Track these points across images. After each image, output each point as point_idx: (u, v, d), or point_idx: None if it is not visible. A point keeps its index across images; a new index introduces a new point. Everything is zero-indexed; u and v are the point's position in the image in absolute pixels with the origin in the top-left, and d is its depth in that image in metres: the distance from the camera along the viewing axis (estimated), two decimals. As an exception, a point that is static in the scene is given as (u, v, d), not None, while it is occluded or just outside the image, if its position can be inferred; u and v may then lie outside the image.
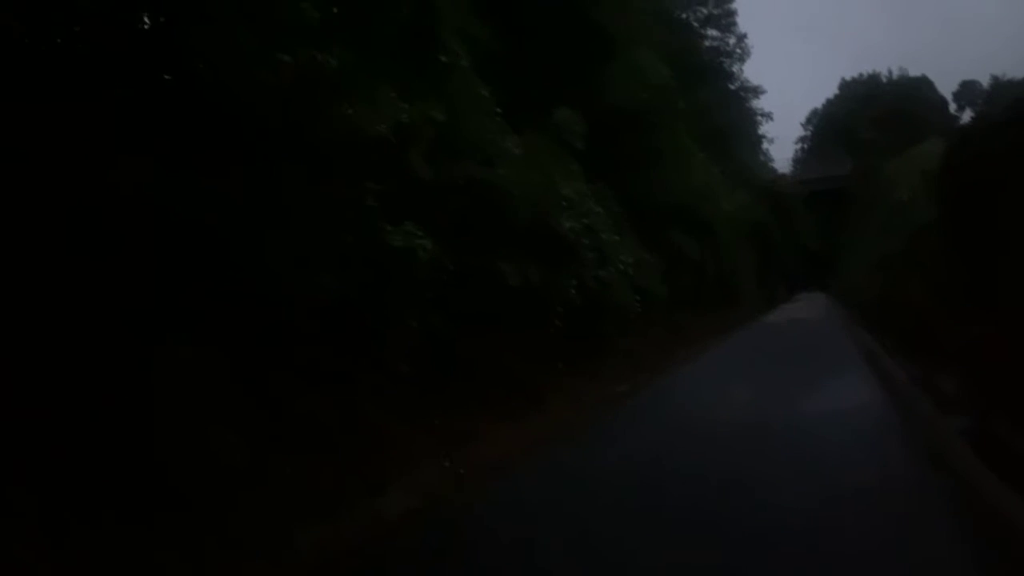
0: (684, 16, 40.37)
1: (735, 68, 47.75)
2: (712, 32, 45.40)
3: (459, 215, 8.60)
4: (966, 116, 59.28)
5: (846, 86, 72.70)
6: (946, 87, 70.33)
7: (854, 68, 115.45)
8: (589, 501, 6.03)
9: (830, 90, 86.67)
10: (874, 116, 59.68)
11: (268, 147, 5.89)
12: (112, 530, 4.15)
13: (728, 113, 41.56)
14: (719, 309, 25.91)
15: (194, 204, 5.47)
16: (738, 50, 47.11)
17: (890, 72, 70.73)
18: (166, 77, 5.81)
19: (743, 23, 59.81)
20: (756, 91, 50.46)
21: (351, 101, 6.41)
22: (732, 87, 47.59)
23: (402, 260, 7.27)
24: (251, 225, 5.92)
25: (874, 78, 71.44)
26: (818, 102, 76.41)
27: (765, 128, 53.70)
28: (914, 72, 70.54)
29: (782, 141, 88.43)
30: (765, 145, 54.98)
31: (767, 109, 55.54)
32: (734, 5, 45.46)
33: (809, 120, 74.80)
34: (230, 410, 5.46)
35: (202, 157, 5.59)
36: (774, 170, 56.26)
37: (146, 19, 5.90)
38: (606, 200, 14.07)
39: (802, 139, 74.41)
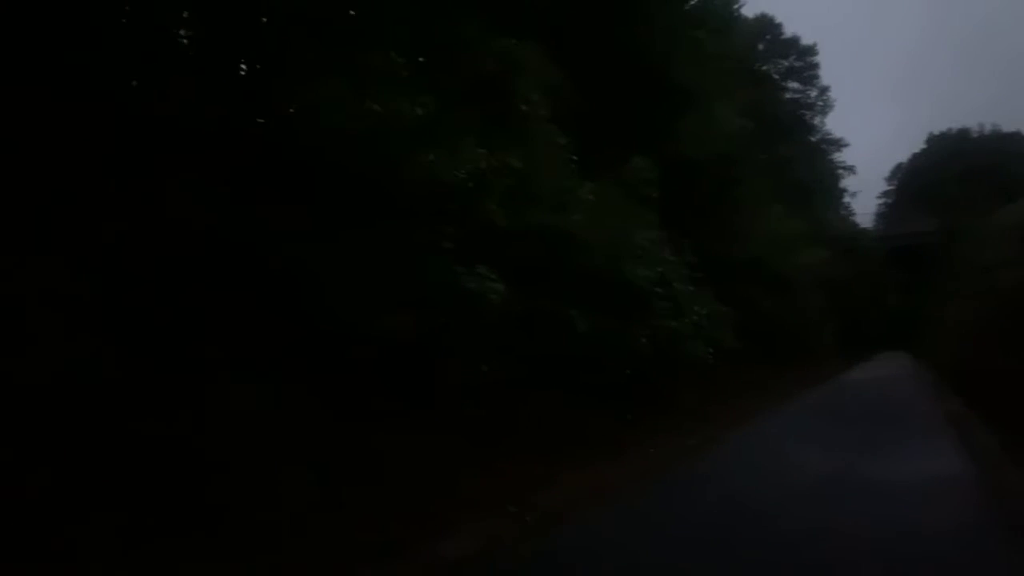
0: (764, 68, 40.17)
1: (817, 120, 47.13)
2: (794, 84, 45.00)
3: (532, 261, 8.67)
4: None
5: (934, 140, 70.71)
6: (1041, 143, 67.54)
7: (943, 123, 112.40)
8: (655, 553, 5.87)
9: (917, 144, 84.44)
10: (962, 171, 57.74)
11: (351, 191, 6.09)
12: (191, 560, 4.26)
13: (809, 166, 40.91)
14: (794, 366, 25.18)
15: (278, 246, 5.69)
16: (820, 102, 46.54)
17: (981, 127, 68.59)
18: (259, 120, 6.11)
19: (826, 76, 59.16)
20: (838, 144, 49.61)
21: (432, 148, 6.59)
22: (813, 139, 46.90)
23: (474, 303, 7.35)
24: (329, 266, 6.11)
25: (964, 132, 69.29)
26: (904, 156, 74.52)
27: (847, 182, 52.60)
28: (1007, 128, 68.15)
29: (865, 195, 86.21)
30: (847, 199, 53.77)
31: (850, 162, 54.38)
32: (817, 58, 45.07)
33: (893, 174, 72.91)
34: (303, 447, 5.57)
35: (287, 199, 5.83)
36: (855, 224, 54.86)
37: (243, 67, 6.24)
38: (680, 250, 13.97)
39: (886, 194, 72.49)
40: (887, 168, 79.72)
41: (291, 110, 6.02)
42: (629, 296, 10.76)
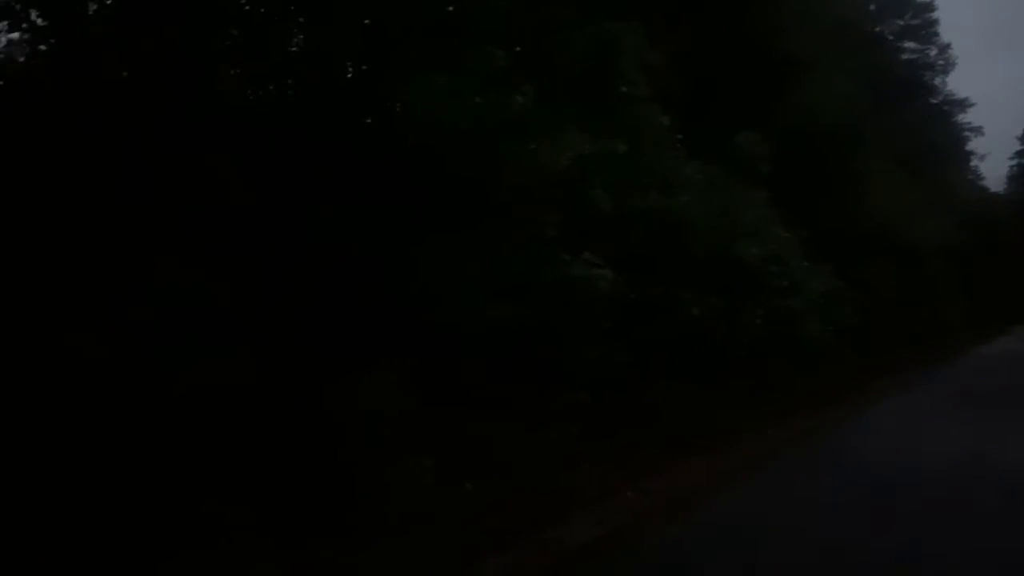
0: (878, 29, 37.98)
1: (937, 81, 44.17)
2: (910, 44, 42.34)
3: (639, 245, 8.55)
4: None
5: (1072, 94, 65.06)
6: None
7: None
8: (778, 542, 5.70)
9: (1052, 99, 77.75)
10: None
11: (454, 184, 6.17)
12: (313, 547, 4.46)
13: (930, 129, 38.46)
14: (922, 341, 23.87)
15: (386, 244, 5.84)
16: (940, 61, 43.58)
17: None
18: (367, 121, 6.28)
19: (947, 32, 55.32)
20: (963, 104, 46.35)
21: (534, 137, 6.60)
22: (935, 101, 44.04)
23: (581, 290, 7.32)
24: (435, 261, 6.22)
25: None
26: (1038, 113, 68.82)
27: (975, 144, 49.11)
28: None
29: (996, 157, 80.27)
30: (974, 162, 50.25)
31: (976, 123, 50.69)
32: (935, 14, 42.22)
33: (1027, 133, 67.67)
34: (420, 440, 5.71)
35: (393, 198, 5.97)
36: (985, 189, 51.26)
37: (350, 68, 6.43)
38: (794, 225, 13.44)
39: (1019, 154, 67.39)
40: (1020, 127, 74.06)
41: (396, 108, 6.15)
42: (741, 276, 10.46)
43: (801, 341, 12.43)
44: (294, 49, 6.11)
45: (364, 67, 6.18)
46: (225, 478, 4.30)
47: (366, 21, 6.55)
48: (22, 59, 5.39)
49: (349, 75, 6.35)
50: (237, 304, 4.56)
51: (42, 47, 5.62)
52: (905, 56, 41.17)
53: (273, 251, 5.09)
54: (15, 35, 5.36)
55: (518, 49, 7.09)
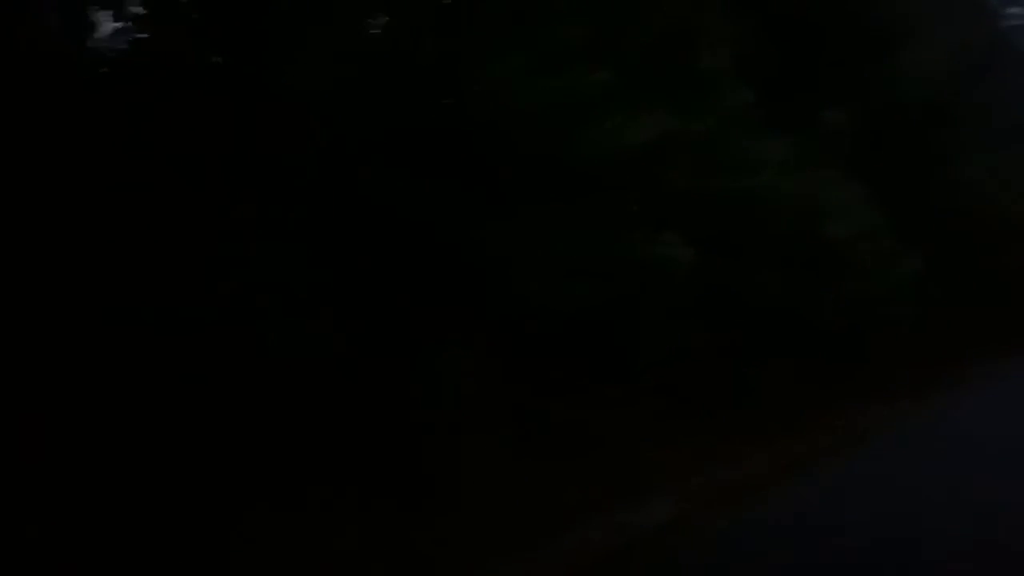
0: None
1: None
2: (1015, 10, 39.85)
3: (719, 224, 8.40)
4: None
5: None
6: None
7: None
8: (855, 531, 5.53)
9: None
10: None
11: (531, 165, 6.18)
12: (388, 520, 4.60)
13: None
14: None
15: (464, 219, 5.90)
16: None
17: None
18: (445, 101, 6.32)
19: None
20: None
21: (611, 116, 6.53)
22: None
23: (660, 269, 7.25)
24: (512, 243, 6.24)
25: None
26: None
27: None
28: None
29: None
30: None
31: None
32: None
33: None
34: (493, 415, 5.79)
35: (473, 175, 6.01)
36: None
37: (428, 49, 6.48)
38: (882, 204, 12.94)
39: None
40: None
41: (474, 88, 6.17)
42: (824, 256, 10.16)
43: (888, 321, 12.02)
44: (374, 31, 6.20)
45: (442, 47, 6.22)
46: (305, 447, 4.47)
47: (444, 0, 6.58)
48: (124, 47, 5.65)
49: (427, 56, 6.40)
50: (322, 280, 4.72)
51: (141, 35, 5.87)
52: (1009, 23, 38.80)
53: (355, 230, 5.23)
54: (119, 24, 5.62)
55: (596, 26, 7.00)
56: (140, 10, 5.35)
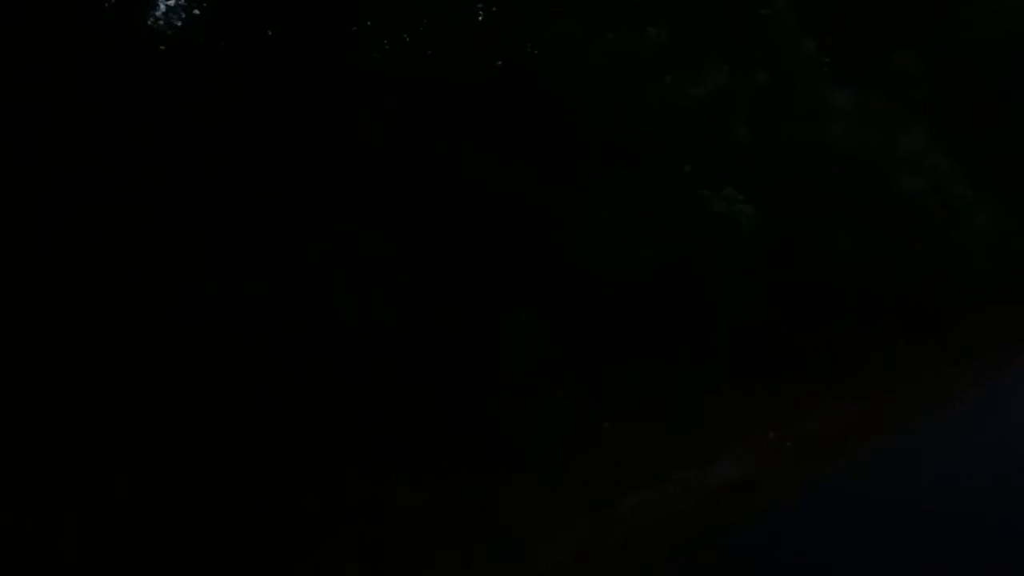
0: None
1: None
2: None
3: (784, 179, 8.14)
4: None
5: None
6: None
7: None
8: (925, 495, 5.33)
9: None
10: None
11: (590, 123, 6.07)
12: (465, 480, 4.66)
13: None
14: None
15: (523, 183, 5.84)
16: None
17: None
18: (498, 63, 6.24)
19: None
20: None
21: (670, 71, 6.35)
22: None
23: (722, 228, 7.07)
24: (574, 201, 6.17)
25: None
26: None
27: None
28: None
29: None
30: None
31: None
32: None
33: None
34: (560, 377, 5.77)
35: (530, 137, 5.94)
36: None
37: (481, 13, 6.40)
38: (957, 154, 12.34)
39: None
40: None
41: (528, 49, 6.07)
42: (896, 209, 9.76)
43: (966, 278, 11.54)
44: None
45: (494, 9, 6.13)
46: (382, 413, 4.55)
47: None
48: (179, 24, 5.72)
49: (480, 18, 6.32)
50: (392, 249, 4.77)
51: (196, 11, 5.93)
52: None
53: (422, 198, 5.24)
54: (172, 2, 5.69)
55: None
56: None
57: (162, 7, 5.73)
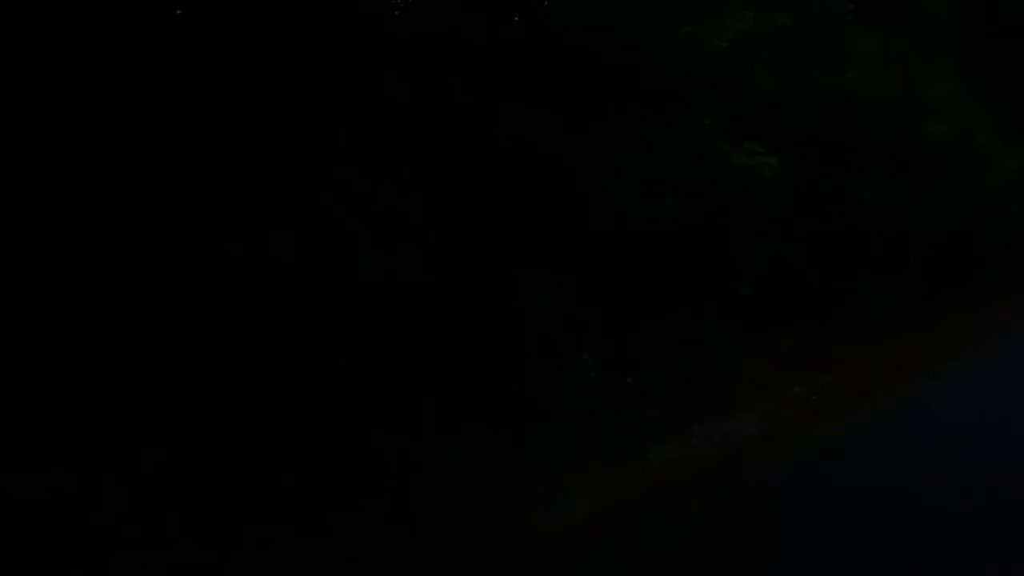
0: None
1: None
2: None
3: (806, 128, 8.00)
4: None
5: None
6: None
7: None
8: (952, 445, 5.30)
9: None
10: None
11: (613, 76, 5.97)
12: (491, 436, 4.72)
13: None
14: None
15: (541, 138, 5.78)
16: None
17: None
18: (515, 18, 6.13)
19: None
20: None
21: (690, 19, 6.22)
22: None
23: (743, 180, 6.99)
24: (593, 154, 6.10)
25: None
26: None
27: None
28: None
29: None
30: None
31: None
32: None
33: None
34: (582, 333, 5.78)
35: (548, 91, 5.86)
36: None
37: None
38: (985, 98, 12.04)
39: None
40: None
41: (545, 3, 5.96)
42: (921, 157, 9.58)
43: (993, 226, 11.35)
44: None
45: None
46: (403, 367, 4.59)
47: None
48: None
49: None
50: (412, 205, 4.76)
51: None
52: None
53: (442, 151, 5.21)
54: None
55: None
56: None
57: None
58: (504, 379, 5.12)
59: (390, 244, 4.53)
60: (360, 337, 4.53)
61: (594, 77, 5.97)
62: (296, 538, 3.58)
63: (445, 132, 5.39)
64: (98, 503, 3.41)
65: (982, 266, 11.44)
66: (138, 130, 4.06)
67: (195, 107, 4.22)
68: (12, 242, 3.70)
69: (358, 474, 4.05)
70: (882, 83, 8.92)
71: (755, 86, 7.09)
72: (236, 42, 4.59)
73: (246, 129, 4.37)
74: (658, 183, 6.41)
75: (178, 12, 5.13)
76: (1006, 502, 4.27)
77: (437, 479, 4.22)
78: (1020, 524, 4.04)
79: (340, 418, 4.24)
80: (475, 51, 5.66)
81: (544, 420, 5.06)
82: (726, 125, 6.97)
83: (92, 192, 3.88)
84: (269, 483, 3.82)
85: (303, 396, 4.18)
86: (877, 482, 4.62)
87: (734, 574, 3.58)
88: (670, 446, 5.14)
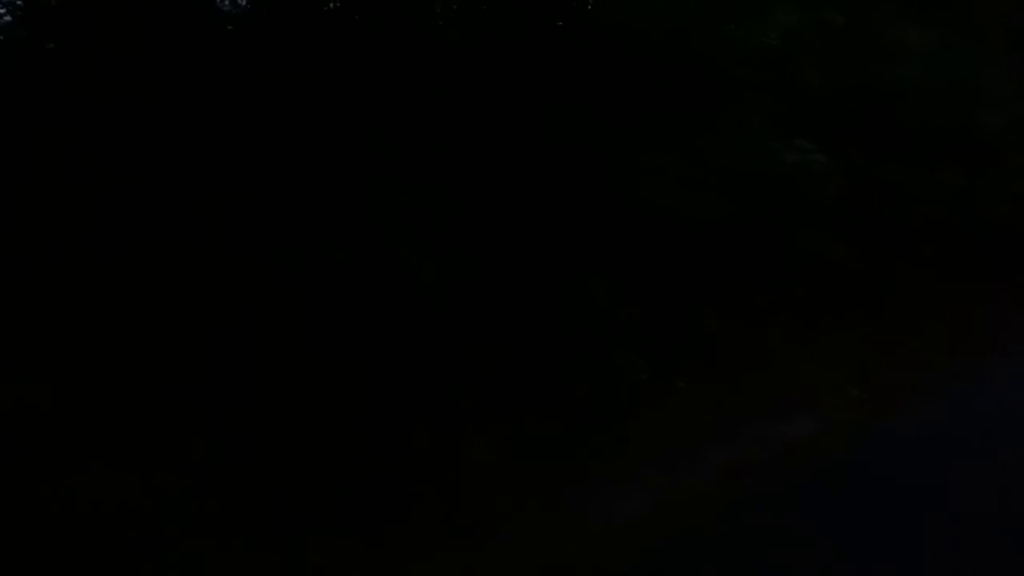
0: None
1: None
2: None
3: (857, 123, 7.86)
4: None
5: None
6: None
7: None
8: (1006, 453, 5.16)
9: None
10: None
11: (658, 73, 5.97)
12: (539, 437, 4.74)
13: None
14: None
15: (589, 139, 5.80)
16: None
17: None
18: (559, 23, 6.17)
19: None
20: None
21: (736, 16, 6.18)
22: None
23: (792, 178, 6.91)
24: (639, 152, 6.10)
25: None
26: None
27: None
28: None
29: None
30: None
31: None
32: None
33: None
34: (631, 333, 5.77)
35: (598, 90, 5.87)
36: None
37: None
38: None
39: None
40: None
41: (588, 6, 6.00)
42: (977, 148, 9.32)
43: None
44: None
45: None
46: (455, 367, 4.66)
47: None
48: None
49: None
50: (458, 209, 4.83)
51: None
52: None
53: (487, 155, 5.26)
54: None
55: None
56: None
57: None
58: (554, 381, 5.15)
59: (441, 249, 4.60)
60: (413, 340, 4.61)
61: (639, 75, 5.98)
62: (346, 537, 3.64)
63: (492, 136, 5.44)
64: (155, 503, 3.52)
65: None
66: (202, 147, 4.20)
67: (255, 122, 4.34)
68: (100, 249, 3.86)
69: (410, 474, 4.12)
70: (934, 74, 8.70)
71: (804, 82, 6.99)
72: (290, 58, 4.71)
73: (301, 141, 4.48)
74: (705, 181, 6.37)
75: (229, 28, 5.29)
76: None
77: (489, 480, 4.27)
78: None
79: (394, 419, 4.31)
80: (518, 54, 5.71)
81: (596, 421, 5.07)
82: (775, 122, 6.89)
83: (163, 200, 4.02)
84: (322, 482, 3.91)
85: (358, 398, 4.26)
86: (934, 484, 4.53)
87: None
88: (722, 448, 5.10)
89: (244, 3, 5.72)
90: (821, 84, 7.25)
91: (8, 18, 5.00)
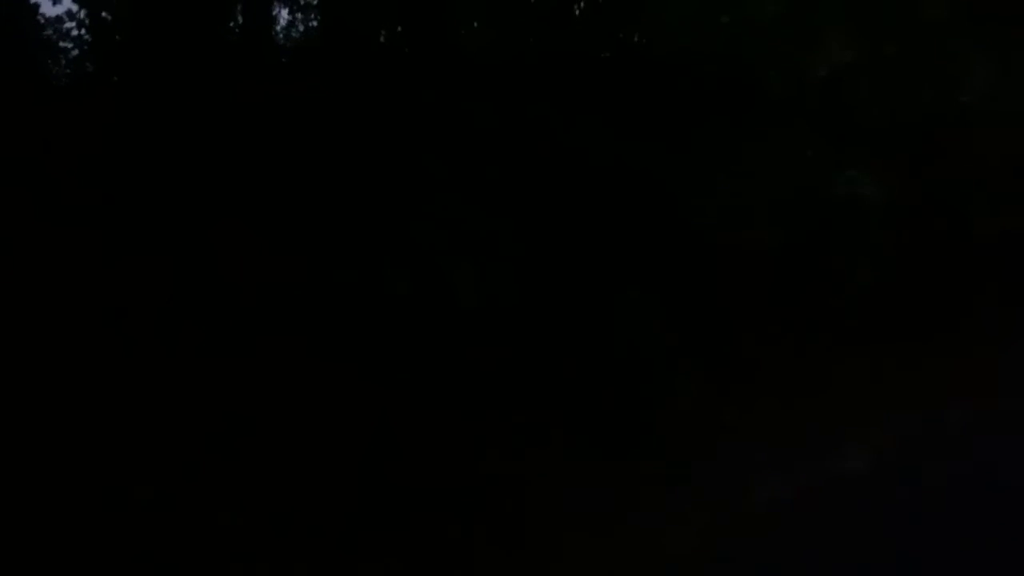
0: None
1: None
2: None
3: (914, 152, 7.74)
4: None
5: None
6: None
7: None
8: None
9: None
10: None
11: (713, 99, 5.99)
12: (590, 457, 4.80)
13: None
14: None
15: (643, 162, 5.84)
16: None
17: None
18: (605, 55, 6.25)
19: None
20: None
21: (789, 47, 6.17)
22: None
23: (844, 207, 6.86)
24: (693, 178, 6.11)
25: None
26: None
27: None
28: None
29: None
30: None
31: None
32: None
33: None
34: (678, 357, 5.74)
35: (648, 119, 5.92)
36: None
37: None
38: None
39: None
40: None
41: (652, 24, 6.04)
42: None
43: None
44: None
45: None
46: (504, 392, 4.74)
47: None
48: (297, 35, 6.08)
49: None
50: (506, 228, 4.92)
51: (312, 22, 6.27)
52: None
53: (536, 175, 5.35)
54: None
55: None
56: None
57: (282, 21, 6.11)
58: (606, 405, 5.18)
59: (491, 272, 4.69)
60: (462, 362, 4.70)
61: (695, 102, 6.01)
62: (415, 558, 3.74)
63: (544, 159, 5.53)
64: (221, 513, 3.66)
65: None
66: (263, 173, 4.39)
67: (307, 151, 4.52)
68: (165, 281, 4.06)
69: (471, 498, 4.20)
70: (997, 100, 8.50)
71: (862, 111, 6.93)
72: (344, 88, 4.88)
73: (352, 167, 4.63)
74: (756, 206, 6.35)
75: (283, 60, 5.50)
76: None
77: (547, 507, 4.32)
78: None
79: (452, 442, 4.41)
80: (573, 73, 5.80)
81: (645, 445, 5.07)
82: (829, 151, 6.84)
83: (228, 232, 4.20)
84: (386, 505, 4.01)
85: (417, 421, 4.37)
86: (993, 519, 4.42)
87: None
88: (775, 477, 5.04)
89: (299, 36, 5.97)
90: (880, 114, 7.16)
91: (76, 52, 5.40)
